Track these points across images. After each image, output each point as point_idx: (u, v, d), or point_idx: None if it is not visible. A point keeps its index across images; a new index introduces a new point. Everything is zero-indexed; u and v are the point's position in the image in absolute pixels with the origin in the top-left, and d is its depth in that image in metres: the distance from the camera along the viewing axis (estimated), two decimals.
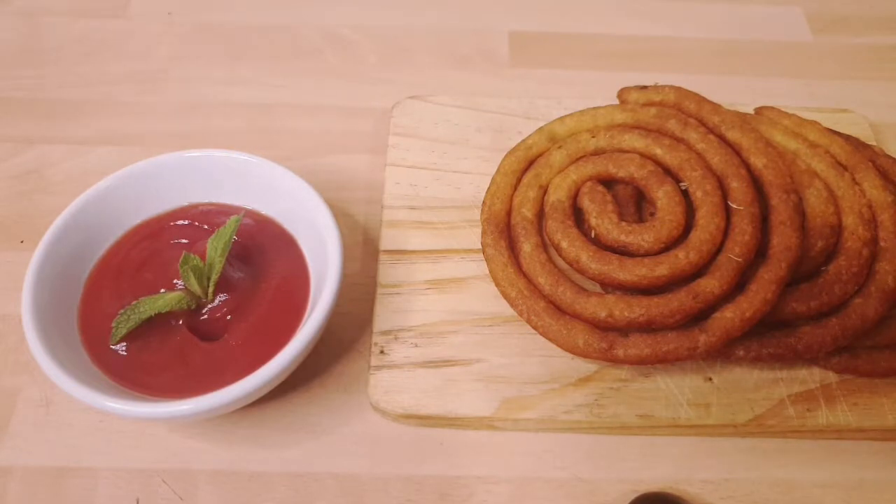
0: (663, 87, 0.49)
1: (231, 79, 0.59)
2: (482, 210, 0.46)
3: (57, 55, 0.60)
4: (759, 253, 0.42)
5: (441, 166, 0.51)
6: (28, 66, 0.59)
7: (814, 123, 0.48)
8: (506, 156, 0.48)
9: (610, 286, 0.43)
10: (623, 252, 0.43)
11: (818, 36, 0.64)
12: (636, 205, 0.46)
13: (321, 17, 0.64)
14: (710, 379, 0.42)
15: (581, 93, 0.58)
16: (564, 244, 0.43)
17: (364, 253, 0.48)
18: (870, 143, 0.51)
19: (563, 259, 0.44)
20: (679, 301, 0.39)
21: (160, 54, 0.60)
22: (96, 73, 0.59)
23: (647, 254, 0.42)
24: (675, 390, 0.41)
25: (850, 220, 0.43)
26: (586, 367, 0.42)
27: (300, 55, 0.61)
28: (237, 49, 0.61)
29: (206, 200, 0.46)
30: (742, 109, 0.50)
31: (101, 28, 0.62)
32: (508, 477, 0.40)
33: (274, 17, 0.64)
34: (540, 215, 0.46)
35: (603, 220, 0.44)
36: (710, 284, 0.40)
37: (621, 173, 0.46)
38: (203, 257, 0.40)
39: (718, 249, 0.41)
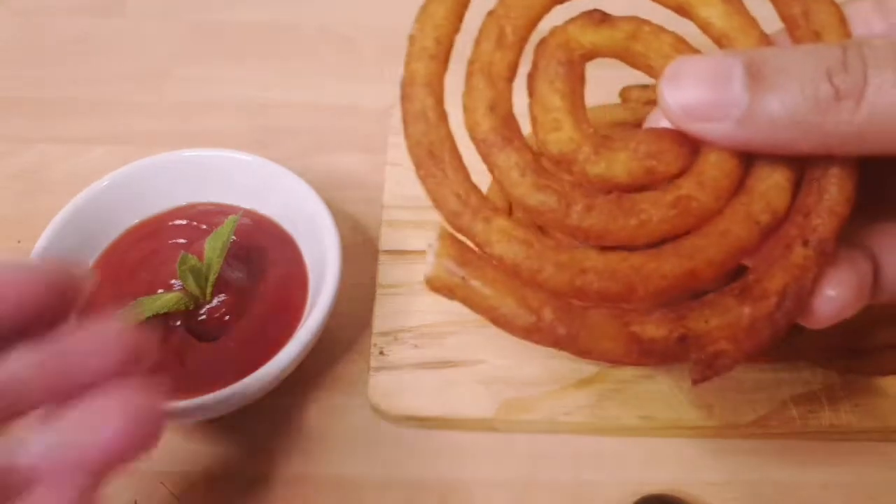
0: None
1: (229, 78, 0.58)
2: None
3: (54, 54, 0.60)
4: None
5: None
6: (25, 65, 0.59)
7: None
8: None
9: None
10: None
11: None
12: None
13: (321, 16, 0.64)
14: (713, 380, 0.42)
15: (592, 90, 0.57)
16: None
17: (364, 253, 0.48)
18: None
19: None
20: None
21: (158, 53, 0.60)
22: (94, 72, 0.58)
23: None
24: (677, 391, 0.41)
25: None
26: (587, 368, 0.42)
27: (299, 54, 0.61)
28: (235, 48, 0.61)
29: (205, 200, 0.45)
30: None
31: (98, 27, 0.62)
32: (509, 479, 0.40)
33: (273, 15, 0.64)
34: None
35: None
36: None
37: None
38: (201, 257, 0.40)
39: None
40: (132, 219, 0.44)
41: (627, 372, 0.42)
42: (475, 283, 0.24)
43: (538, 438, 0.41)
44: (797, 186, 0.25)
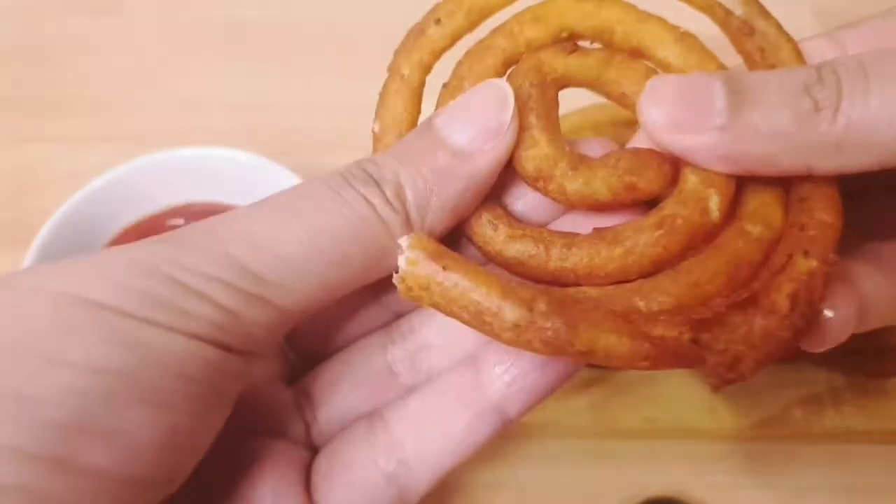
0: None
1: (227, 75, 0.58)
2: None
3: (50, 52, 0.59)
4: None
5: None
6: (21, 64, 0.58)
7: None
8: None
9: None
10: None
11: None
12: None
13: (317, 13, 0.63)
14: None
15: (584, 90, 0.57)
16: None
17: None
18: None
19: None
20: None
21: (155, 51, 0.60)
22: (89, 71, 0.58)
23: None
24: (681, 394, 0.41)
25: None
26: (590, 370, 0.42)
27: (296, 51, 0.60)
28: (233, 45, 0.60)
29: (202, 199, 0.45)
30: None
31: (94, 25, 0.61)
32: (511, 482, 0.40)
33: (271, 12, 0.63)
34: None
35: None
36: None
37: None
38: None
39: None
40: (129, 218, 0.44)
41: (631, 374, 0.41)
42: (454, 275, 0.21)
43: (540, 441, 0.41)
44: (785, 207, 0.24)
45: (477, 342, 0.26)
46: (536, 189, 0.25)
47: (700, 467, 0.40)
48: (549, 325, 0.20)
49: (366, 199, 0.23)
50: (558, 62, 0.26)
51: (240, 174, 0.44)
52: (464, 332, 0.25)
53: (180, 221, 0.44)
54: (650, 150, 0.25)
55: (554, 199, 0.25)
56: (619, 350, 0.21)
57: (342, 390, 0.27)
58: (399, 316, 0.28)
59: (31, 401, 0.18)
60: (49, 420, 0.18)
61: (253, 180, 0.44)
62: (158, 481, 0.21)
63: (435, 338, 0.27)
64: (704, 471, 0.40)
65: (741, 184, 0.24)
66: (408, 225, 0.23)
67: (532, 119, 0.25)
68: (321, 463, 0.26)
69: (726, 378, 0.21)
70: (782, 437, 0.41)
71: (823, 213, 0.23)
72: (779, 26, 0.26)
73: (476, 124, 0.24)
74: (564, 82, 0.26)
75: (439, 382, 0.26)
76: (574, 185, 0.24)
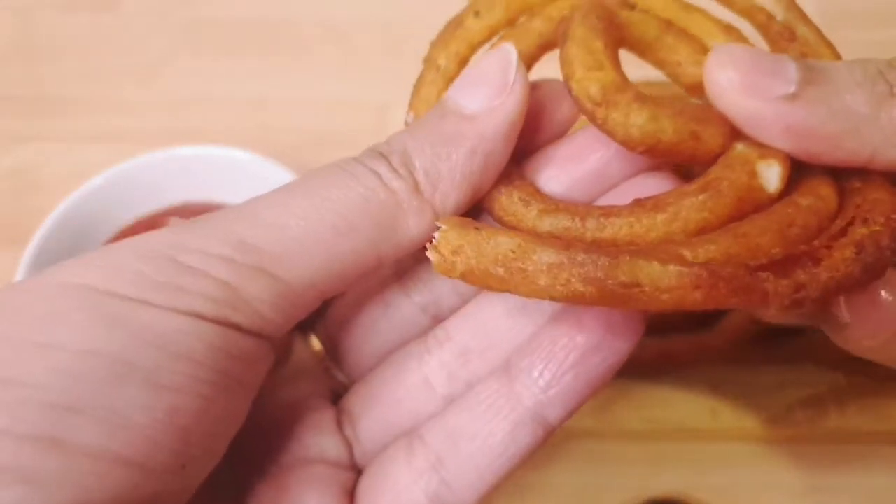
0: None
1: (226, 74, 0.58)
2: None
3: (47, 51, 0.59)
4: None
5: None
6: (18, 62, 0.58)
7: None
8: None
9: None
10: None
11: (829, 31, 0.62)
12: None
13: (317, 12, 0.63)
14: (718, 383, 0.41)
15: None
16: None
17: None
18: None
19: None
20: None
21: (153, 49, 0.59)
22: (88, 70, 0.58)
23: None
24: (682, 395, 0.41)
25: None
26: None
27: (296, 50, 0.60)
28: (231, 44, 0.60)
29: (201, 199, 0.45)
30: None
31: (92, 23, 0.61)
32: (511, 483, 0.39)
33: (268, 11, 0.63)
34: None
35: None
36: None
37: None
38: None
39: None
40: (127, 218, 0.44)
41: (633, 375, 0.41)
42: (487, 231, 0.21)
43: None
44: (837, 191, 0.23)
45: (513, 343, 0.25)
46: (593, 118, 0.23)
47: (702, 468, 0.40)
48: (587, 259, 0.20)
49: (372, 170, 0.23)
50: (622, 11, 0.25)
51: (240, 174, 0.44)
52: (500, 332, 0.25)
53: (179, 221, 0.44)
54: (714, 109, 0.23)
55: (610, 131, 0.23)
56: (668, 280, 0.19)
57: (380, 408, 0.27)
58: (436, 321, 0.27)
59: (20, 385, 0.18)
60: (39, 401, 0.18)
61: (253, 180, 0.44)
62: (168, 466, 0.20)
63: (471, 341, 0.26)
64: (706, 472, 0.40)
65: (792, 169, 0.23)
66: (417, 192, 0.23)
67: (599, 45, 0.23)
68: (364, 485, 0.26)
69: (792, 299, 0.20)
70: (785, 439, 0.41)
71: (878, 193, 0.22)
72: (819, 32, 0.25)
73: (482, 88, 0.24)
74: (624, 34, 0.25)
75: (473, 394, 0.25)
76: (640, 117, 0.22)
